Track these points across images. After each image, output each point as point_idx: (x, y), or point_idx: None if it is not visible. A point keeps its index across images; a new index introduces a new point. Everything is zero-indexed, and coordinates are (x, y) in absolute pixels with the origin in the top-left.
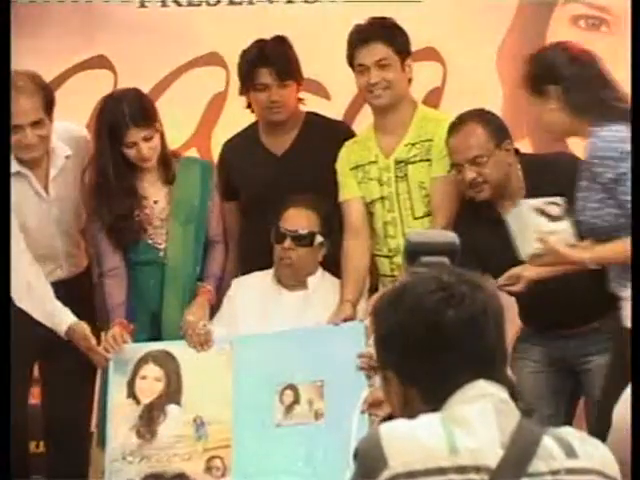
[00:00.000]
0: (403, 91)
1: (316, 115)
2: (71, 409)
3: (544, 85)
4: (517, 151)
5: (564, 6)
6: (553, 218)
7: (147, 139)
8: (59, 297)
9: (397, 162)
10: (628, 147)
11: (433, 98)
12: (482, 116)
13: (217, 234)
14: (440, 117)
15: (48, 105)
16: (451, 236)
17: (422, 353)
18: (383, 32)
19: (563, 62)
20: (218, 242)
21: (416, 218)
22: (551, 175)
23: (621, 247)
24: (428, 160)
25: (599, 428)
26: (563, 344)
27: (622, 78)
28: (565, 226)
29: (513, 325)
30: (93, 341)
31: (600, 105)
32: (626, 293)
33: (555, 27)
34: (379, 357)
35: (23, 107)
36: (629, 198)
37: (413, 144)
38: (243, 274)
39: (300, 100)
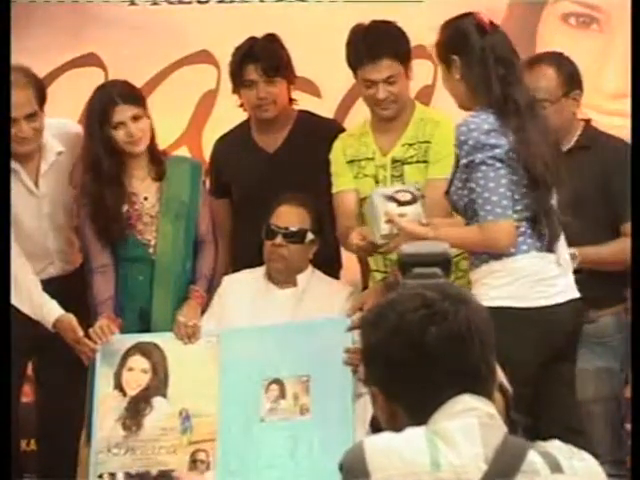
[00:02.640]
0: (407, 97)
1: (308, 113)
2: (63, 407)
3: (449, 54)
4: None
5: (554, 4)
6: (403, 203)
7: (136, 118)
8: (51, 294)
9: (394, 161)
10: (487, 139)
11: (424, 96)
12: (559, 60)
13: (207, 233)
14: (437, 118)
15: (40, 98)
16: (443, 247)
17: (405, 370)
18: (391, 46)
19: (469, 34)
20: (208, 241)
21: None
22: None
23: (466, 232)
24: (425, 162)
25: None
26: None
27: (611, 75)
28: (414, 209)
29: None
30: (80, 333)
31: (487, 88)
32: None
33: (545, 25)
34: (365, 372)
35: (17, 100)
36: (480, 190)
37: (410, 144)
38: (235, 271)
39: (292, 99)
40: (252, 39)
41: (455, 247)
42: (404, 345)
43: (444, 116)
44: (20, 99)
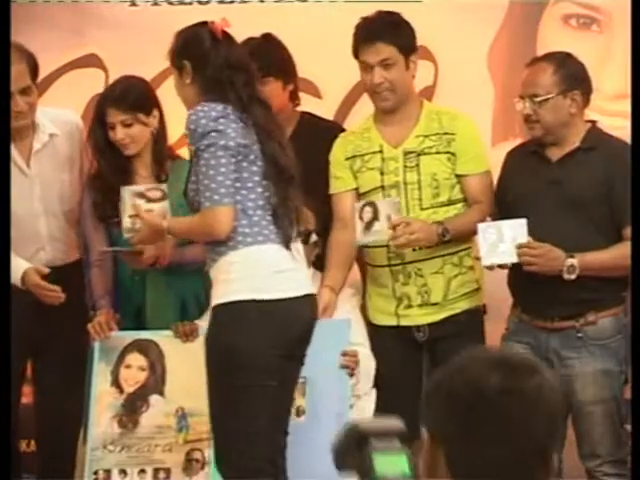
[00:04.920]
0: (407, 90)
1: (310, 115)
2: (62, 408)
3: (182, 59)
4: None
5: (555, 5)
6: (152, 200)
7: (125, 125)
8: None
9: (407, 152)
10: (215, 125)
11: (425, 96)
12: (562, 60)
13: None
14: (453, 111)
15: (33, 72)
16: (397, 423)
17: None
18: (388, 31)
19: (202, 41)
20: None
21: (423, 209)
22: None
23: (190, 221)
24: (447, 153)
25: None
26: (545, 340)
27: (612, 76)
28: (162, 206)
29: (500, 324)
30: (38, 278)
31: (218, 91)
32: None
33: (546, 26)
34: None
35: (11, 75)
36: (202, 177)
37: (426, 136)
38: None
39: (294, 100)
40: (249, 39)
41: (184, 237)
42: (471, 400)
43: (459, 111)
44: (14, 73)
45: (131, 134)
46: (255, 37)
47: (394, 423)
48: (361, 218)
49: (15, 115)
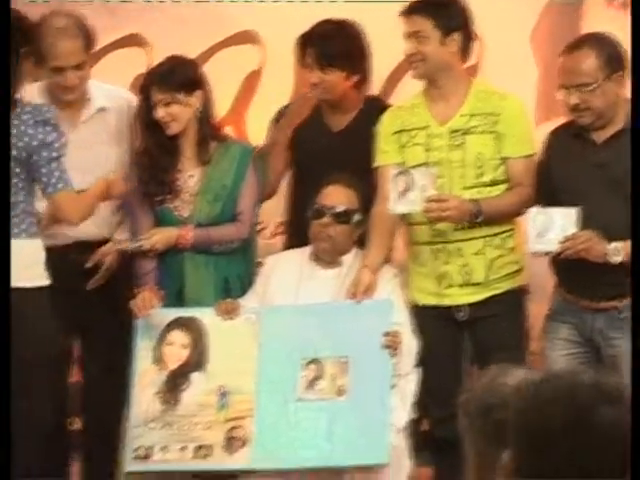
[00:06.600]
0: (443, 64)
1: (376, 99)
2: (107, 386)
3: None
4: None
5: None
6: None
7: (166, 104)
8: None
9: (452, 131)
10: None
11: (469, 74)
12: (600, 42)
13: (241, 213)
14: (502, 91)
15: (89, 46)
16: None
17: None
18: (427, 6)
19: None
20: (239, 221)
21: (466, 188)
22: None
23: None
24: (492, 132)
25: None
26: (590, 321)
27: None
28: None
29: (544, 304)
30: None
31: None
32: None
33: (590, 6)
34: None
35: (65, 49)
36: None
37: (472, 115)
38: (291, 247)
39: (361, 88)
40: (323, 22)
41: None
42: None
43: (507, 91)
44: (68, 48)
45: (172, 113)
46: (331, 21)
47: None
48: (395, 187)
49: (64, 89)
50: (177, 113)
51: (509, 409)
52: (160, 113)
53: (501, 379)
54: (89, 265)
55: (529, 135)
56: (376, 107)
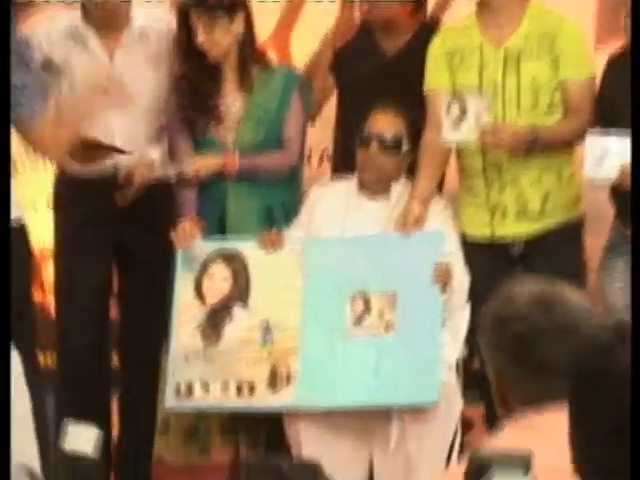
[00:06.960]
0: None
1: (431, 23)
2: (147, 319)
3: None
4: None
5: None
6: None
7: (206, 28)
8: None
9: (507, 52)
10: None
11: None
12: None
13: (287, 140)
14: (559, 12)
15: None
16: (524, 454)
17: None
18: None
19: None
20: (284, 147)
21: (521, 114)
22: None
23: None
24: (549, 55)
25: None
26: None
27: None
28: None
29: (601, 237)
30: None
31: None
32: None
33: None
34: None
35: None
36: None
37: (528, 36)
38: (338, 176)
39: (418, 12)
40: None
41: None
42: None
43: (563, 11)
44: None
45: (212, 38)
46: None
47: (520, 454)
48: (448, 114)
49: (104, 6)
50: (218, 38)
51: (525, 322)
52: (200, 37)
53: (517, 290)
54: (121, 181)
55: (589, 57)
56: (432, 30)
